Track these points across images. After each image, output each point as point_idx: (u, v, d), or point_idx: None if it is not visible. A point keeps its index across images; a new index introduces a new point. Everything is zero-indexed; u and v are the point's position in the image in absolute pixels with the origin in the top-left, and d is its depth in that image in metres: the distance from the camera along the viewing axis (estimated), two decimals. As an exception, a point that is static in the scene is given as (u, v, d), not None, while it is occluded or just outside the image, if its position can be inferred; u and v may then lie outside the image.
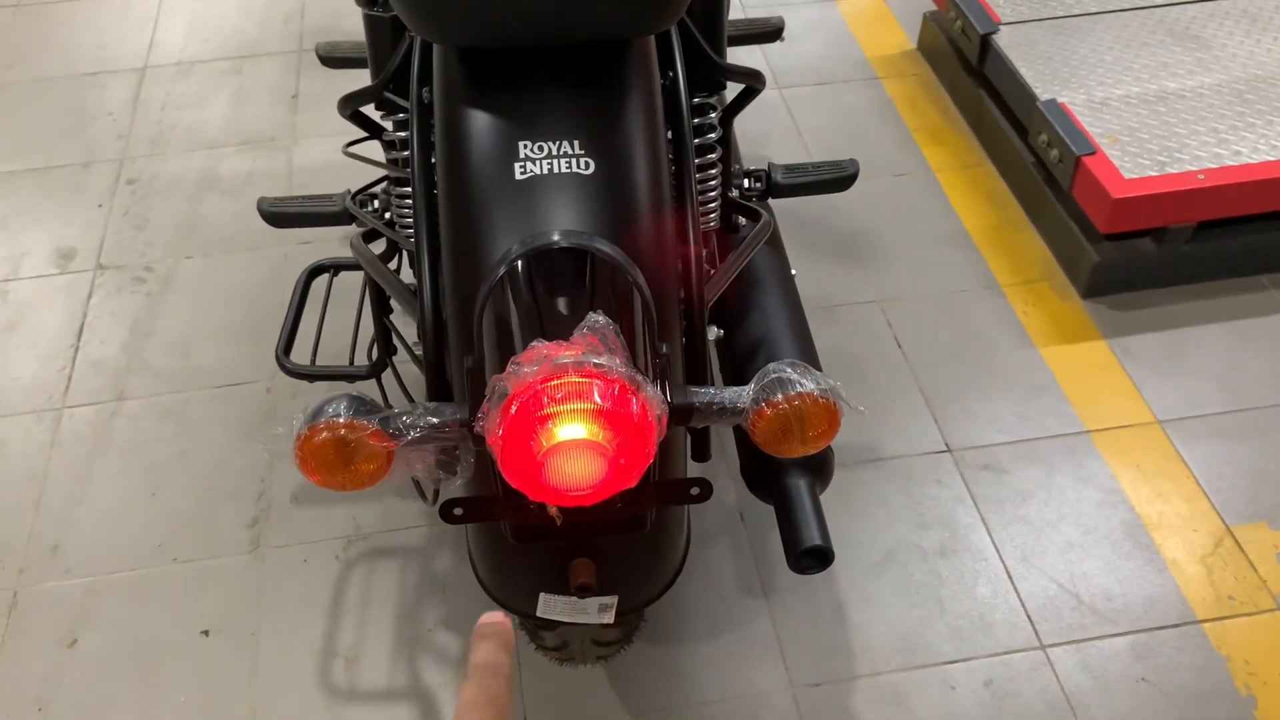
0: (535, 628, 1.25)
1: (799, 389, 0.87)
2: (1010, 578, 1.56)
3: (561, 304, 0.90)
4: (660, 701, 1.44)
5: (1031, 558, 1.58)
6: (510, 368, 0.81)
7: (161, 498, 1.68)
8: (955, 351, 1.87)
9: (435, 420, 0.87)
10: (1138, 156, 1.86)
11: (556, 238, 0.91)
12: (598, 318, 0.84)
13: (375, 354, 1.41)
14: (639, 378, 0.82)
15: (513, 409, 0.80)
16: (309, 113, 2.36)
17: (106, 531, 1.64)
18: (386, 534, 1.62)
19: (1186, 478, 1.67)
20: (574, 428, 0.80)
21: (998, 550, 1.59)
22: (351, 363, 1.41)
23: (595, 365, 0.80)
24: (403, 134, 1.20)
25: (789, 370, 0.89)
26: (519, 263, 0.91)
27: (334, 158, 2.22)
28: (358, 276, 1.53)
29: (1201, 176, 1.82)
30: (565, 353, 0.81)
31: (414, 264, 1.38)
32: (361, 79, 1.34)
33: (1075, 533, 1.61)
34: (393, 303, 1.40)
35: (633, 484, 0.85)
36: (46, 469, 1.72)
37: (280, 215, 1.46)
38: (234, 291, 1.99)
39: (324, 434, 0.84)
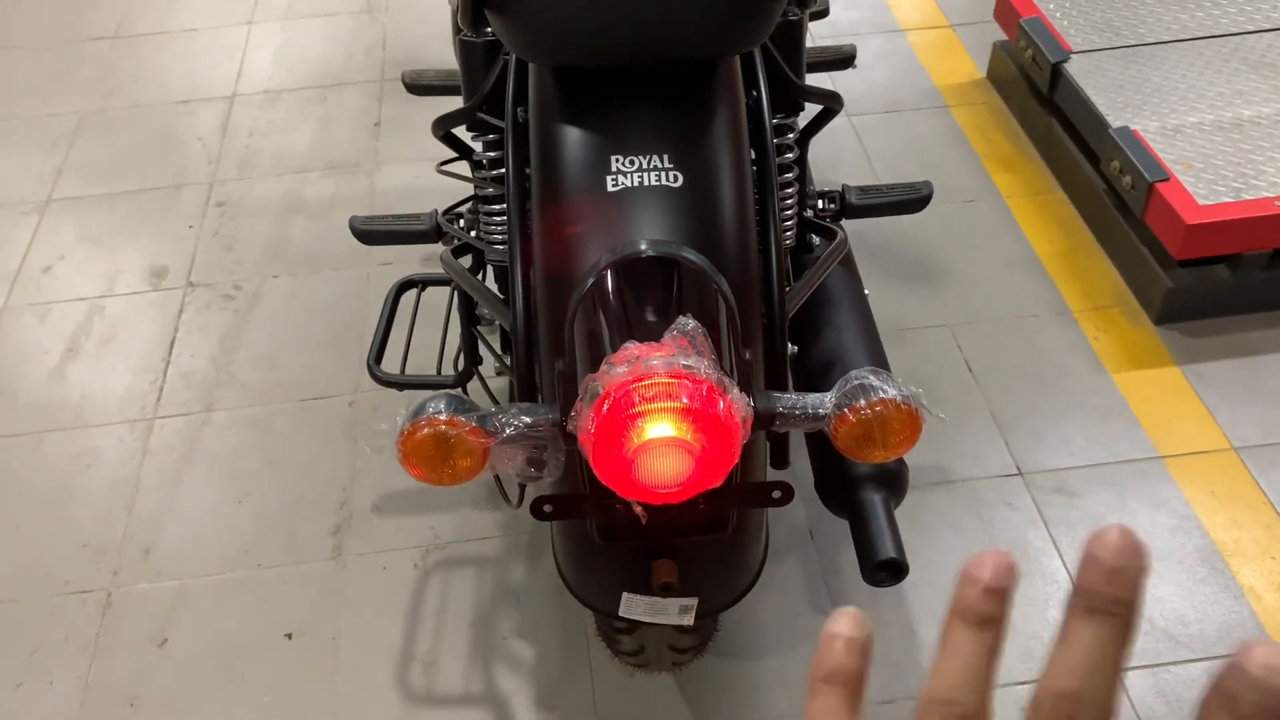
0: (613, 631, 1.28)
1: (881, 394, 0.90)
2: (1083, 601, 1.55)
3: (650, 310, 0.94)
4: (730, 714, 1.45)
5: (1104, 581, 1.57)
6: (603, 366, 0.85)
7: (248, 505, 1.74)
8: (1026, 376, 1.87)
9: (529, 419, 0.91)
10: (1212, 183, 1.86)
11: (644, 247, 0.94)
12: (687, 321, 0.87)
13: (462, 364, 1.45)
14: (726, 380, 0.85)
15: (605, 407, 0.83)
16: (390, 139, 2.44)
17: (195, 536, 1.70)
18: (463, 544, 1.66)
19: (1264, 505, 1.65)
20: (663, 426, 0.83)
21: (1070, 573, 1.59)
22: (439, 372, 1.46)
23: (684, 366, 0.84)
24: (492, 154, 1.24)
25: (871, 377, 0.92)
26: (609, 271, 0.94)
27: (415, 182, 2.30)
28: (443, 294, 1.58)
29: (1279, 203, 1.81)
30: (655, 353, 0.85)
31: (499, 278, 1.43)
32: (444, 106, 1.39)
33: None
34: (479, 313, 1.45)
35: (717, 484, 0.88)
36: (139, 476, 1.79)
37: (371, 233, 1.52)
38: (319, 309, 2.05)
39: (425, 429, 0.88)
